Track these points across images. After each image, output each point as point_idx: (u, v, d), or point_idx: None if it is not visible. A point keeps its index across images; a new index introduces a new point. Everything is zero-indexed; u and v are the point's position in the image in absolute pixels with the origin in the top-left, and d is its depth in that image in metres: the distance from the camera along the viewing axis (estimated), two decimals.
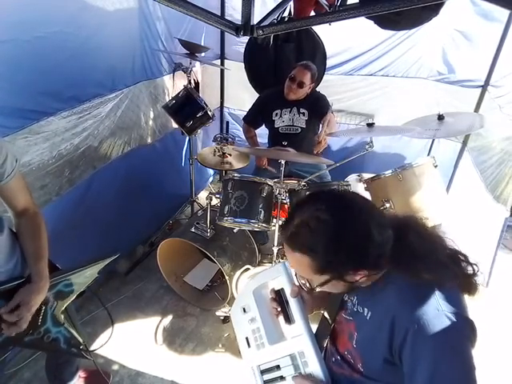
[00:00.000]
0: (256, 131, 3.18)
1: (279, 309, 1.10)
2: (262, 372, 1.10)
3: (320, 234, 0.86)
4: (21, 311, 1.20)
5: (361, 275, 0.90)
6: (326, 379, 1.00)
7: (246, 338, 1.16)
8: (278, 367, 1.06)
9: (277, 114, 2.95)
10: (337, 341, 1.07)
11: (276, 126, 2.96)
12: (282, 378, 1.06)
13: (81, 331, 1.52)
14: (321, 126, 2.92)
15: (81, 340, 1.50)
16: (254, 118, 3.10)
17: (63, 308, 1.43)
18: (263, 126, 3.14)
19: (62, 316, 1.44)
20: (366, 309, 0.98)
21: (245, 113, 3.21)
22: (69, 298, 1.43)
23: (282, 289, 1.11)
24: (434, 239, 0.96)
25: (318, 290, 0.96)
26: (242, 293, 1.26)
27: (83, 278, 1.44)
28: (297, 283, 1.07)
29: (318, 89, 3.06)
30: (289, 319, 1.08)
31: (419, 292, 0.88)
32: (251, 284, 1.20)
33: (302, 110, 2.90)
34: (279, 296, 1.11)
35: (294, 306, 1.07)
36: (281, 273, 1.12)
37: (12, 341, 1.28)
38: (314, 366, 1.00)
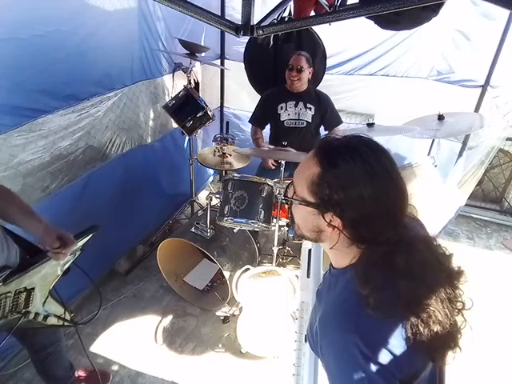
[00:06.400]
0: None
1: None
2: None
3: (351, 163, 0.79)
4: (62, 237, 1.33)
5: (334, 228, 0.81)
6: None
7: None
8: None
9: (282, 108, 2.94)
10: None
11: (282, 120, 2.95)
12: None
13: (67, 306, 1.60)
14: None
15: (68, 315, 1.59)
16: (259, 117, 3.08)
17: (51, 287, 1.49)
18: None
19: (49, 294, 1.50)
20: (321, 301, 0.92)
21: (245, 113, 3.19)
22: (55, 276, 1.50)
23: (310, 249, 1.38)
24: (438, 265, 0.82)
25: (292, 206, 0.90)
26: None
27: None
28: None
29: (317, 88, 3.06)
30: (308, 274, 1.34)
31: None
32: None
33: (308, 105, 2.91)
34: (309, 254, 1.38)
35: (312, 264, 1.34)
36: None
37: (4, 325, 1.34)
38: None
